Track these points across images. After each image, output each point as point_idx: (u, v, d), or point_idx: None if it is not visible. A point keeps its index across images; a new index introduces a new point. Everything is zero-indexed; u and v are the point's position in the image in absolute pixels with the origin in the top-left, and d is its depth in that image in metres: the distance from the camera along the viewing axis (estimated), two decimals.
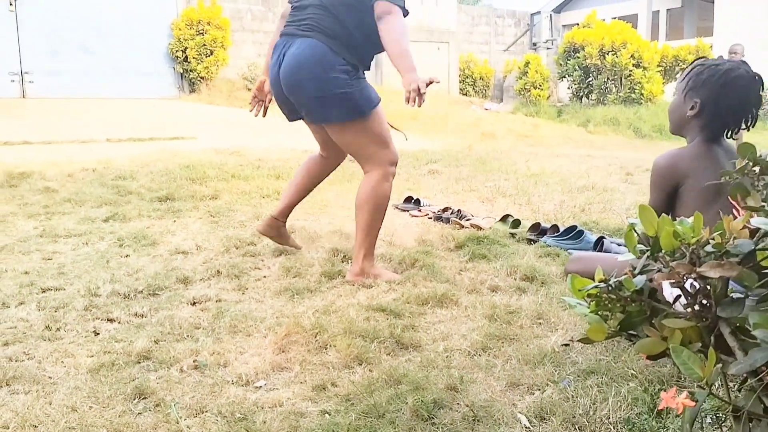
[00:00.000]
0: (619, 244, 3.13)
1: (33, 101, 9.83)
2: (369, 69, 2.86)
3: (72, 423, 1.60)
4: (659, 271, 0.96)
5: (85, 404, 1.70)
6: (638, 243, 1.00)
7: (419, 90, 2.43)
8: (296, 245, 3.21)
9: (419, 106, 2.48)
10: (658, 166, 2.09)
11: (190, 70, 11.37)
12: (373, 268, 2.78)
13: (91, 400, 1.72)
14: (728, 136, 2.11)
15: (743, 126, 2.08)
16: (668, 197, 2.06)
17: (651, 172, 2.12)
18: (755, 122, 2.07)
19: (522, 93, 13.99)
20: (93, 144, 6.47)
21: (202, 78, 11.43)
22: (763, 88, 2.06)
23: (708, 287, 0.92)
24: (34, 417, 1.63)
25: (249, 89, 11.43)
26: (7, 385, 1.81)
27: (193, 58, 11.23)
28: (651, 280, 0.96)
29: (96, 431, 1.55)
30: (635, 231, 1.02)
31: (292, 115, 2.96)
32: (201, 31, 11.27)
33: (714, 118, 2.05)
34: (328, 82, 2.64)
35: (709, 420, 1.52)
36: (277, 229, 3.13)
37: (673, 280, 0.91)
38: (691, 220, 0.98)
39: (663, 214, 0.97)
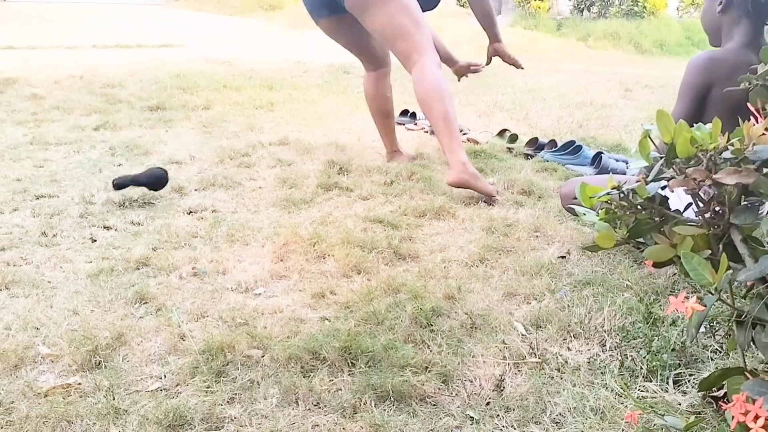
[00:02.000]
0: (617, 160, 3.11)
1: (13, 5, 9.43)
2: None
3: (74, 325, 1.62)
4: (673, 178, 0.94)
5: (86, 308, 1.71)
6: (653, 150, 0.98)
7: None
8: (411, 156, 3.20)
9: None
10: (689, 65, 1.92)
11: None
12: (473, 176, 2.56)
13: (92, 303, 1.73)
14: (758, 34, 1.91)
15: None
16: (693, 109, 1.91)
17: (684, 73, 1.93)
18: None
19: (521, 4, 13.54)
20: (79, 50, 6.26)
21: None
22: None
23: (723, 194, 0.90)
24: (36, 319, 1.64)
25: None
26: (7, 288, 1.82)
27: None
28: (664, 187, 0.94)
29: (99, 333, 1.57)
30: (650, 138, 1.00)
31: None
32: None
33: (745, 9, 1.88)
34: None
35: (702, 329, 1.55)
36: (400, 155, 3.14)
37: (688, 187, 0.90)
38: (708, 126, 0.95)
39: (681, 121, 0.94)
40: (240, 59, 6.13)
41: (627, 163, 3.05)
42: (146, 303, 1.75)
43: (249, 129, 3.77)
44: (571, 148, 3.30)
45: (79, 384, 1.40)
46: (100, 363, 1.48)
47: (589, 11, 13.36)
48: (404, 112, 4.25)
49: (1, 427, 1.27)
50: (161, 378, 1.43)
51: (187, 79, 4.97)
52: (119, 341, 1.56)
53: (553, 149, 3.38)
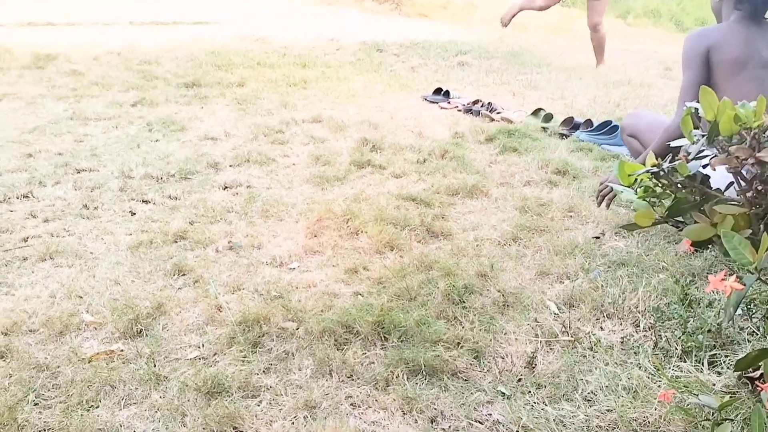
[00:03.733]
0: None
1: None
2: None
3: (116, 294, 1.67)
4: (715, 156, 0.93)
5: (127, 278, 1.76)
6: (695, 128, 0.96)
7: None
8: None
9: None
10: (685, 41, 2.09)
11: None
12: None
13: (133, 274, 1.79)
14: (763, 14, 2.06)
15: None
16: (701, 72, 2.01)
17: (683, 49, 2.08)
18: None
19: None
20: (116, 27, 6.34)
21: None
22: None
23: (766, 173, 0.89)
24: (79, 288, 1.70)
25: None
26: (51, 258, 1.88)
27: None
28: (705, 166, 0.93)
29: (140, 303, 1.62)
30: (692, 116, 0.98)
31: None
32: None
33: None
34: None
35: (740, 312, 1.53)
36: None
37: (731, 165, 0.88)
38: (753, 104, 0.93)
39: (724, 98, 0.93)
40: (273, 37, 6.14)
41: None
42: (184, 275, 1.80)
43: (282, 106, 3.79)
44: (608, 128, 3.24)
45: (122, 351, 1.45)
46: (141, 331, 1.53)
47: None
48: (437, 91, 4.22)
49: (48, 390, 1.32)
50: (199, 347, 1.48)
51: (221, 57, 5.00)
52: (159, 311, 1.60)
53: (589, 129, 3.33)
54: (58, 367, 1.39)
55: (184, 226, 2.10)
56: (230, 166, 2.76)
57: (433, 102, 4.07)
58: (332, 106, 3.88)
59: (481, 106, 3.82)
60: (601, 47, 5.54)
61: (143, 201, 2.35)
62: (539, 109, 3.71)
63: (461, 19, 9.05)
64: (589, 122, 3.40)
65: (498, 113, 3.65)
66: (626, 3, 11.22)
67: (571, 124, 3.42)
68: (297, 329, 1.53)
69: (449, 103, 4.01)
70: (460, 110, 3.87)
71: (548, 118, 3.57)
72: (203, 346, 1.48)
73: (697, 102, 1.97)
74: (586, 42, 5.67)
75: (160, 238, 2.01)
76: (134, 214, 2.24)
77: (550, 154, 2.93)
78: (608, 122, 3.30)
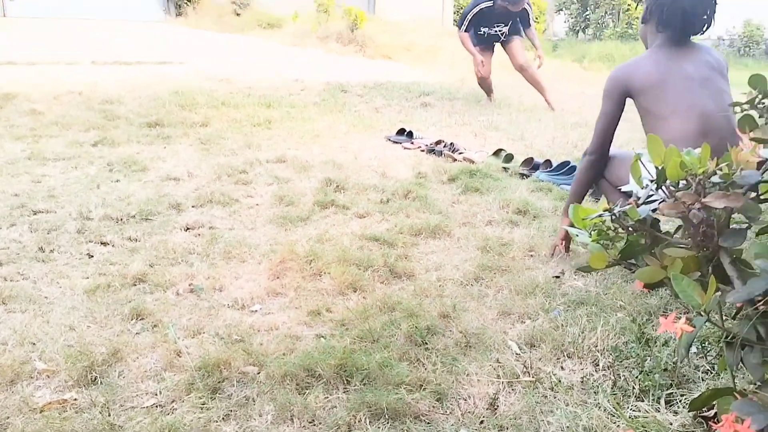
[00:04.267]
0: None
1: (13, 20, 9.50)
2: None
3: (71, 341, 1.62)
4: (663, 201, 0.96)
5: (82, 323, 1.72)
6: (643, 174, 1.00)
7: None
8: None
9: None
10: (610, 76, 2.15)
11: None
12: None
13: (89, 319, 1.74)
14: (688, 37, 2.10)
15: (699, 25, 2.06)
16: (614, 104, 2.13)
17: (605, 82, 2.16)
18: (709, 22, 2.07)
19: None
20: (78, 66, 6.29)
21: (188, 0, 11.05)
22: None
23: (712, 217, 0.93)
24: (32, 335, 1.65)
25: (237, 14, 11.08)
26: (4, 303, 1.82)
27: None
28: (654, 210, 0.96)
29: (95, 349, 1.58)
30: (641, 162, 1.02)
31: None
32: None
33: (659, 18, 2.08)
34: None
35: (694, 349, 1.57)
36: None
37: (678, 210, 0.92)
38: (698, 151, 0.97)
39: (671, 147, 0.97)
40: (238, 77, 6.18)
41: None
42: (143, 319, 1.76)
43: (247, 146, 3.80)
44: (566, 168, 3.33)
45: (75, 400, 1.40)
46: (96, 379, 1.48)
47: (584, 33, 13.53)
48: (400, 131, 4.28)
49: None
50: (157, 394, 1.44)
51: (185, 96, 5.00)
52: (115, 357, 1.56)
53: (549, 169, 3.41)
54: (8, 417, 1.34)
55: (143, 269, 2.06)
56: (192, 206, 2.74)
57: (396, 142, 4.13)
58: (296, 146, 3.90)
59: (444, 146, 3.88)
60: (539, 83, 5.74)
61: (102, 243, 2.31)
62: (500, 150, 3.79)
63: (425, 61, 9.25)
64: (548, 162, 3.48)
65: (460, 153, 3.72)
66: (581, 48, 11.63)
67: (531, 165, 3.50)
68: (258, 374, 1.51)
69: (412, 143, 4.06)
70: (423, 150, 3.92)
71: (509, 158, 3.64)
72: (161, 393, 1.44)
73: (605, 132, 2.16)
74: (546, 83, 5.84)
75: (119, 281, 1.98)
76: (92, 256, 2.19)
77: (511, 194, 2.98)
78: (567, 162, 3.38)
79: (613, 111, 2.15)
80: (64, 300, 1.86)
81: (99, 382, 1.47)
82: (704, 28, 2.08)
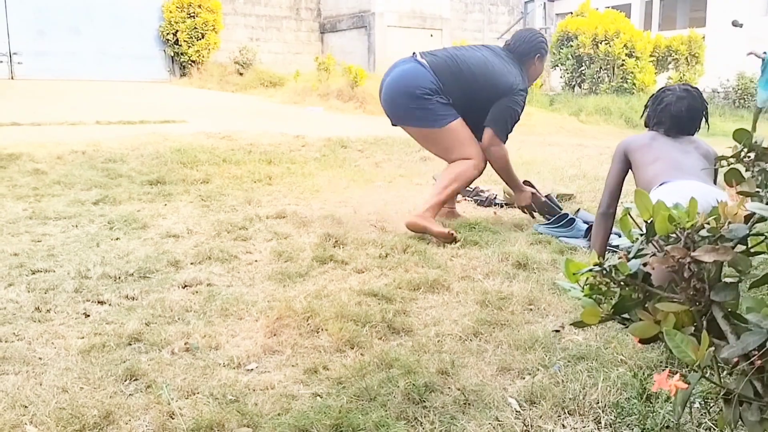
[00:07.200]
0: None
1: (21, 82, 9.73)
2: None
3: (63, 404, 1.60)
4: (653, 255, 0.96)
5: (75, 385, 1.69)
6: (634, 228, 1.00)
7: (531, 207, 3.59)
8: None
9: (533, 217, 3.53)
10: (618, 145, 2.57)
11: (181, 54, 11.27)
12: (428, 220, 3.16)
13: (82, 381, 1.72)
14: (673, 135, 2.46)
15: (690, 130, 2.48)
16: (619, 166, 2.52)
17: (616, 147, 2.58)
18: (698, 126, 2.50)
19: None
20: (82, 126, 6.41)
21: (193, 62, 11.33)
22: (698, 101, 2.47)
23: (702, 271, 0.92)
24: (25, 398, 1.62)
25: (240, 73, 11.35)
26: None
27: (184, 41, 11.12)
28: (645, 264, 0.96)
29: (87, 412, 1.55)
30: (630, 216, 1.03)
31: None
32: (192, 14, 11.15)
33: (652, 121, 2.54)
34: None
35: (697, 405, 1.53)
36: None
37: (668, 264, 0.92)
38: (686, 205, 0.98)
39: (662, 203, 0.97)
40: (240, 134, 6.27)
41: (619, 236, 3.08)
42: (136, 380, 1.74)
43: (247, 202, 3.82)
44: (565, 221, 3.34)
45: None
46: None
47: (580, 87, 13.77)
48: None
49: None
50: None
51: (187, 154, 5.07)
52: (107, 420, 1.53)
53: (547, 222, 3.42)
54: None
55: (139, 328, 2.05)
56: (191, 263, 2.74)
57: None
58: (296, 201, 3.93)
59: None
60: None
61: (99, 302, 2.30)
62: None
63: None
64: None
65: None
66: (578, 101, 11.83)
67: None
68: None
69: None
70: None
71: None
72: None
73: (612, 189, 2.54)
74: (544, 136, 5.93)
75: (114, 340, 1.96)
76: (88, 315, 2.18)
77: (510, 247, 2.98)
78: (565, 215, 3.39)
79: (617, 169, 2.53)
80: (58, 361, 1.84)
81: None
82: (696, 130, 2.50)
